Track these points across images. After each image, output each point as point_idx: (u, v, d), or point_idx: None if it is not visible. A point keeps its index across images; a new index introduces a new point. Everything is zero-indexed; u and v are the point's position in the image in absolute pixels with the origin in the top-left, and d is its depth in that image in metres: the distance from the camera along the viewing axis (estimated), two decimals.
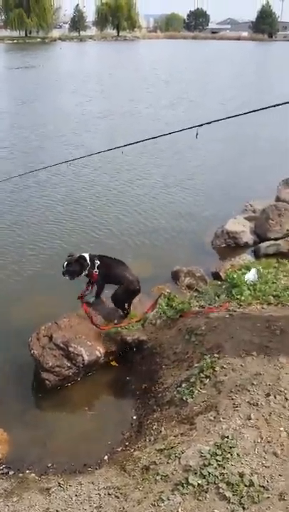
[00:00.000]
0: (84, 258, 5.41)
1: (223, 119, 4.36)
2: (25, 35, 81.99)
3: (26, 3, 80.00)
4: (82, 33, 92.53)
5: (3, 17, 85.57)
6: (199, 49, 68.93)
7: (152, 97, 24.69)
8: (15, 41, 73.72)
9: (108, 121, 19.14)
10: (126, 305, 5.58)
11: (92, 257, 5.49)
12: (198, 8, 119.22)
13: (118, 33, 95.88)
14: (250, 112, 4.14)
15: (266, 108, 4.06)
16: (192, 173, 12.24)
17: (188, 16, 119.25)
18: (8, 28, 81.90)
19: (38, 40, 78.15)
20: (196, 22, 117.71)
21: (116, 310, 5.60)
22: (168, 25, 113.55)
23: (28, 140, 15.74)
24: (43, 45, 69.95)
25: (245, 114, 4.18)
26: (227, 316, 5.08)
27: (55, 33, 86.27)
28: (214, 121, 4.37)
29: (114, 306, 5.57)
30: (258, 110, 4.08)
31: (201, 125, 4.31)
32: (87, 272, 5.45)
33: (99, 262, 5.46)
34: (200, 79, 33.08)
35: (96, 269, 5.44)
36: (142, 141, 5.21)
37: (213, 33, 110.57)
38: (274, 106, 3.95)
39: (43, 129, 17.37)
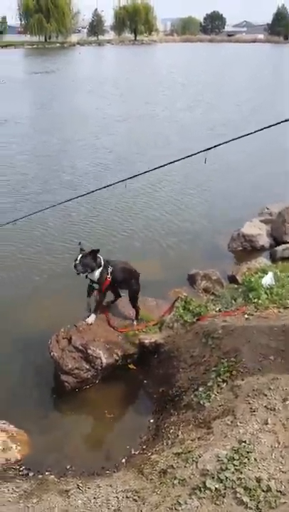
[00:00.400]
0: (97, 252, 5.04)
1: (230, 140, 4.30)
2: (45, 40, 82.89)
3: (46, 8, 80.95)
4: (100, 37, 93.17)
5: (23, 22, 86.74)
6: (215, 52, 68.92)
7: (169, 100, 24.81)
8: (34, 46, 74.62)
9: (127, 124, 19.33)
10: None
11: (105, 261, 5.18)
12: (214, 12, 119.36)
13: (135, 36, 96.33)
14: (255, 132, 4.09)
15: (270, 126, 3.99)
16: (209, 176, 12.22)
17: (204, 19, 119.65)
18: (28, 33, 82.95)
19: (58, 44, 79.00)
20: (213, 25, 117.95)
21: (132, 312, 5.64)
22: (184, 28, 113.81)
23: (48, 144, 16.01)
24: (62, 49, 70.63)
25: (252, 133, 4.11)
26: (244, 319, 5.07)
27: (74, 37, 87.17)
28: (222, 143, 4.28)
29: (133, 303, 5.57)
30: (260, 130, 4.03)
31: (209, 149, 4.27)
32: (99, 276, 5.11)
33: (111, 268, 5.19)
34: (216, 81, 33.12)
35: (109, 275, 5.17)
36: (148, 171, 5.09)
37: (229, 35, 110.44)
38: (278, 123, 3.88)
39: (63, 132, 17.67)
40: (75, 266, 4.95)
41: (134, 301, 5.58)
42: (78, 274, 4.99)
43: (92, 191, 5.73)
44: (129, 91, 28.68)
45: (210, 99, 24.77)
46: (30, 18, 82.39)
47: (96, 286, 5.22)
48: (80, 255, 4.99)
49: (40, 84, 31.41)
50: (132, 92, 28.09)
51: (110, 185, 5.32)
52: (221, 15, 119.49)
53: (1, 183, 11.79)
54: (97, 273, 5.11)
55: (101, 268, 5.11)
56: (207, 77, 35.36)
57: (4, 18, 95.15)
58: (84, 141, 16.24)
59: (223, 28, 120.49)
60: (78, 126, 18.63)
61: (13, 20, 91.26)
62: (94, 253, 5.02)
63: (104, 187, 5.43)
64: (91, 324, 5.23)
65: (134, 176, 4.90)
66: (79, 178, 12.04)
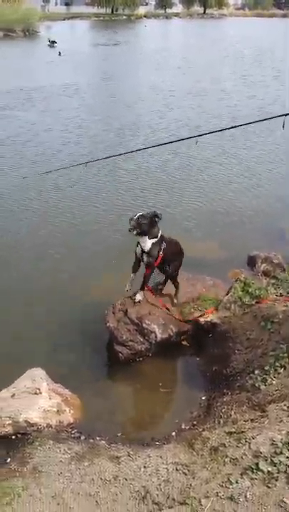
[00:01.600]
0: (157, 217, 4.77)
1: None
2: (112, 12, 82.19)
3: None
4: (167, 10, 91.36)
5: None
6: None
7: (240, 75, 24.24)
8: (101, 18, 74.28)
9: (195, 97, 19.09)
10: None
11: (162, 235, 4.93)
12: None
13: (205, 10, 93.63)
14: None
15: None
16: (274, 156, 11.83)
17: None
18: (96, 5, 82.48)
19: (124, 17, 78.16)
20: None
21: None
22: (257, 3, 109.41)
23: (117, 114, 16.22)
24: (128, 22, 69.93)
25: None
26: None
27: (141, 10, 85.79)
28: None
29: (174, 281, 5.48)
30: None
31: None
32: (151, 247, 4.82)
33: (165, 245, 4.97)
34: None
35: (161, 252, 4.94)
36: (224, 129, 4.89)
37: None
38: None
39: (132, 104, 17.79)
40: (130, 220, 4.70)
41: (175, 278, 5.48)
42: (129, 230, 4.70)
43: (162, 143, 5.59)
44: (197, 65, 28.11)
45: (283, 76, 23.99)
46: None
47: (145, 258, 4.92)
48: (140, 213, 4.75)
49: (107, 57, 31.37)
50: (200, 67, 27.52)
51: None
52: None
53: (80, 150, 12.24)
54: (149, 243, 4.83)
55: (156, 239, 4.85)
56: (281, 53, 34.11)
57: None
58: (153, 113, 16.22)
59: None
60: (146, 99, 18.68)
61: None
62: (153, 218, 4.75)
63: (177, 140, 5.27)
64: (139, 302, 5.15)
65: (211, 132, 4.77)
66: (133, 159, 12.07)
